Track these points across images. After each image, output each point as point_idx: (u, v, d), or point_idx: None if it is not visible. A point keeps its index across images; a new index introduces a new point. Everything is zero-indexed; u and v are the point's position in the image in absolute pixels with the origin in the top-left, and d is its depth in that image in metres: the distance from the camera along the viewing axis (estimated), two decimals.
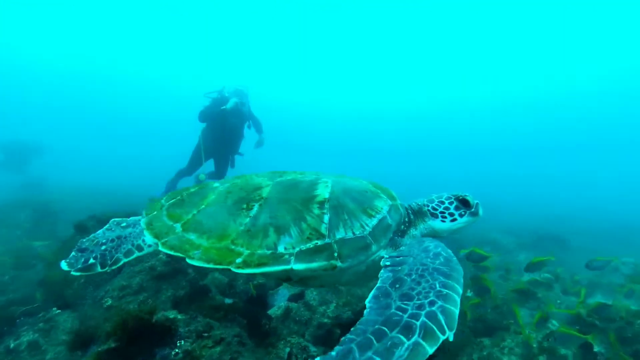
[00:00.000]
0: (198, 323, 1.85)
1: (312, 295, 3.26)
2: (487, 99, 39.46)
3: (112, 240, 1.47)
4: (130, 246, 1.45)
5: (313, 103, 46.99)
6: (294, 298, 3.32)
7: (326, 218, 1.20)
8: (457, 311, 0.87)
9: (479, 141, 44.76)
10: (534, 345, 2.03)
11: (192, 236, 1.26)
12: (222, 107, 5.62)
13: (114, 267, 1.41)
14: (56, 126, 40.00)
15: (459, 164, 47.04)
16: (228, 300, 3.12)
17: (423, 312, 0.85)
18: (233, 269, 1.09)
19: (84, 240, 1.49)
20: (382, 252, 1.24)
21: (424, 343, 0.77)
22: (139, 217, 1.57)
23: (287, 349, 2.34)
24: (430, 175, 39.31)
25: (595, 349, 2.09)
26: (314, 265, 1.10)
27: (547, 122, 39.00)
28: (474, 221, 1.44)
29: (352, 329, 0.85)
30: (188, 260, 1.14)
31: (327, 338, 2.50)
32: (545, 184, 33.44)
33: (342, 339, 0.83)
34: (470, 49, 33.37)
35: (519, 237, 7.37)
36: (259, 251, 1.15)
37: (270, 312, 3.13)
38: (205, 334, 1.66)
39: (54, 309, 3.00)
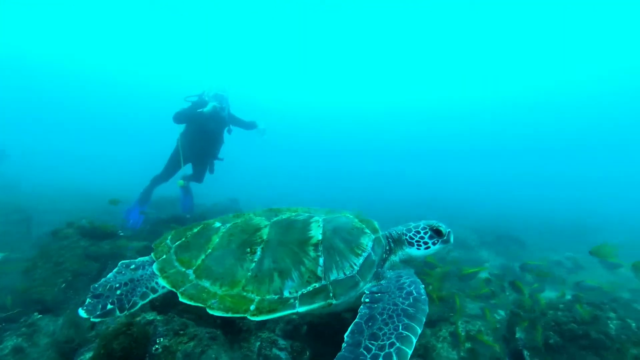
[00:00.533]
0: (175, 323, 2.11)
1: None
2: (462, 102, 41.74)
3: (126, 284, 1.52)
4: (145, 289, 1.53)
5: (309, 104, 48.19)
6: None
7: (321, 261, 1.38)
8: (410, 351, 1.07)
9: (459, 142, 47.03)
10: (462, 334, 2.43)
11: (206, 283, 1.39)
12: (199, 110, 5.52)
13: (132, 310, 1.47)
14: (28, 126, 38.52)
15: (439, 164, 48.80)
16: None
17: (382, 354, 1.05)
18: (249, 317, 1.24)
19: (97, 285, 1.51)
20: (368, 285, 1.44)
21: None
22: (147, 258, 1.68)
23: (258, 343, 2.62)
24: (410, 174, 40.74)
25: (517, 335, 2.52)
26: (314, 306, 1.29)
27: (517, 124, 41.80)
28: (445, 247, 1.67)
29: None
30: (208, 310, 1.28)
31: (295, 332, 2.80)
32: (513, 184, 35.52)
33: None
34: (450, 52, 34.73)
35: (482, 235, 7.98)
36: (268, 297, 1.31)
37: None
38: (181, 332, 1.92)
39: (35, 313, 3.13)
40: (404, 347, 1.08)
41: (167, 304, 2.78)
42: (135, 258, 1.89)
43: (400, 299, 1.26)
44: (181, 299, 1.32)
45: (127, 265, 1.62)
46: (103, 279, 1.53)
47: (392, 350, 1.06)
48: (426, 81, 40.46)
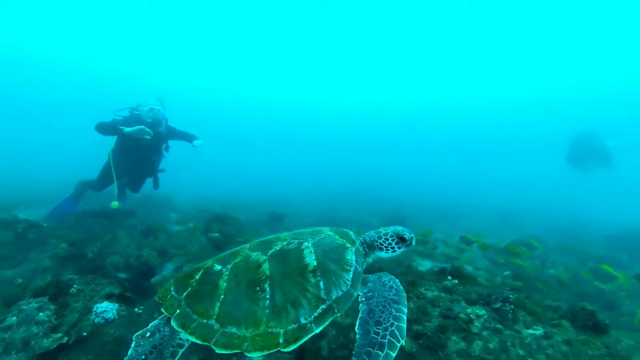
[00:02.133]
0: (90, 280, 3.13)
1: (187, 267, 4.65)
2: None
3: (151, 352, 1.54)
4: (172, 348, 1.59)
5: (306, 102, 50.46)
6: (175, 270, 4.67)
7: (321, 284, 1.59)
8: (405, 325, 1.47)
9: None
10: None
11: (233, 329, 1.47)
12: (120, 127, 5.07)
13: None
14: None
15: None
16: (122, 275, 4.36)
17: (387, 333, 1.44)
18: (282, 350, 1.39)
19: (135, 336, 1.57)
20: (359, 291, 1.74)
21: (390, 352, 1.40)
22: (157, 322, 1.66)
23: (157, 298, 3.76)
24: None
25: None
26: (326, 323, 1.54)
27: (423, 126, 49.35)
28: (408, 248, 2.05)
29: (354, 351, 1.41)
30: (246, 354, 1.38)
31: None
32: (415, 177, 41.62)
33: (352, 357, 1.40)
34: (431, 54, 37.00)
35: (382, 218, 9.96)
36: (290, 327, 1.47)
37: (152, 279, 4.47)
38: (92, 283, 2.96)
39: None
40: (400, 324, 1.50)
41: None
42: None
43: (386, 292, 1.65)
44: (218, 351, 1.41)
45: (143, 335, 1.61)
46: (126, 358, 1.52)
47: (393, 328, 1.48)
48: (398, 81, 43.44)
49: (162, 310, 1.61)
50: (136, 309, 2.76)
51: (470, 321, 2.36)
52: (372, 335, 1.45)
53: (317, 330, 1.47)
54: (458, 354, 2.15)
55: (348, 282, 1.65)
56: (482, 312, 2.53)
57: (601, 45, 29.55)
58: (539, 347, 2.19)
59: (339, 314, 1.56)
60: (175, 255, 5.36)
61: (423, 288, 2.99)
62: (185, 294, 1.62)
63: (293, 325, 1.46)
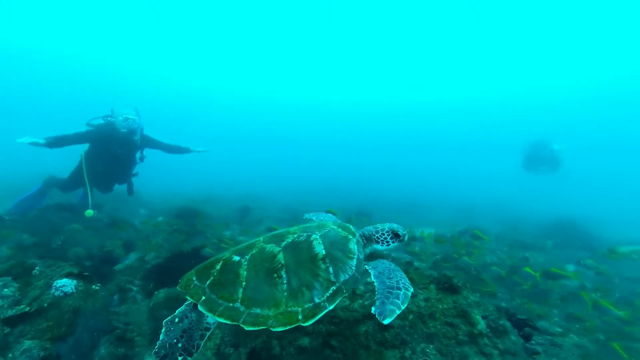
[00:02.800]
0: (52, 264, 3.47)
1: (150, 256, 5.01)
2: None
3: (182, 336, 1.68)
4: (200, 331, 1.75)
5: (304, 100, 52.30)
6: (138, 259, 5.02)
7: (331, 269, 1.81)
8: (411, 288, 1.72)
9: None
10: None
11: (257, 310, 1.65)
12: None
13: (195, 353, 1.68)
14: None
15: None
16: (88, 263, 4.68)
17: (400, 284, 1.72)
18: (302, 324, 1.60)
19: (157, 350, 1.64)
20: (360, 277, 1.99)
21: (407, 293, 1.66)
22: (183, 308, 1.83)
23: (117, 282, 4.11)
24: None
25: None
26: (337, 302, 1.76)
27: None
28: (401, 243, 2.27)
29: (376, 296, 1.65)
30: (272, 329, 1.58)
31: (147, 277, 4.39)
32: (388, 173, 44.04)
33: (375, 298, 1.66)
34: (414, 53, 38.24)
35: (348, 213, 10.65)
36: (306, 306, 1.68)
37: (115, 267, 4.84)
38: (53, 266, 3.31)
39: None
40: (407, 281, 1.82)
41: None
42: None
43: (388, 264, 1.97)
44: (247, 328, 1.59)
45: (172, 321, 1.75)
46: (159, 342, 1.65)
47: (403, 281, 1.80)
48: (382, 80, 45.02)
49: (187, 297, 1.77)
50: (94, 286, 3.15)
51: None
52: (388, 283, 1.75)
53: (330, 307, 1.70)
54: (342, 309, 2.66)
55: (353, 267, 1.88)
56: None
57: (552, 54, 32.11)
58: None
59: (347, 294, 1.82)
60: (140, 246, 5.71)
61: None
62: (208, 282, 1.78)
63: (309, 304, 1.68)
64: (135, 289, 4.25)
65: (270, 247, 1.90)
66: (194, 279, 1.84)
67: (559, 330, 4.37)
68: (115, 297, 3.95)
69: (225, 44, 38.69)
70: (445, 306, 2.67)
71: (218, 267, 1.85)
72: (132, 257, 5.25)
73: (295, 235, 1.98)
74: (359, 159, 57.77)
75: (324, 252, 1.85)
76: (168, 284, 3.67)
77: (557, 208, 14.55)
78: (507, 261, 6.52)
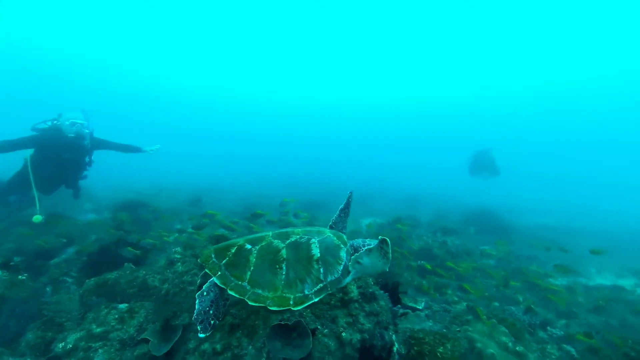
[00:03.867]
0: None
1: (88, 248, 5.11)
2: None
3: (211, 305, 2.10)
4: (223, 301, 2.19)
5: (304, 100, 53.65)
6: (76, 253, 5.10)
7: (322, 270, 2.17)
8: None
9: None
10: None
11: (259, 291, 2.02)
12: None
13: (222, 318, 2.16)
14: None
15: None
16: (16, 258, 4.68)
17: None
18: (292, 309, 1.96)
19: (196, 316, 2.04)
20: (346, 279, 2.28)
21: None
22: (209, 284, 2.17)
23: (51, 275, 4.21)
24: None
25: None
26: (322, 296, 2.13)
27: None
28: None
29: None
30: (269, 307, 1.93)
31: (83, 269, 4.54)
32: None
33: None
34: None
35: (300, 204, 11.19)
36: (298, 295, 2.03)
37: (51, 261, 4.89)
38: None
39: None
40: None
41: None
42: None
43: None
44: (250, 303, 1.95)
45: (202, 294, 2.13)
46: (196, 311, 2.05)
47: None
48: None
49: (207, 270, 2.16)
50: (20, 277, 3.32)
51: None
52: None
53: (316, 300, 2.05)
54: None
55: (339, 272, 2.24)
56: None
57: (492, 64, 35.31)
58: None
59: (330, 291, 2.18)
60: (79, 240, 5.74)
61: None
62: (224, 261, 2.16)
63: (300, 294, 2.04)
64: (70, 280, 4.41)
65: (277, 243, 2.26)
66: (213, 256, 2.20)
67: (456, 299, 5.32)
68: (47, 289, 4.09)
69: (209, 43, 39.69)
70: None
71: (233, 250, 2.23)
72: (70, 251, 5.32)
73: (298, 237, 2.33)
74: (319, 154, 61.11)
75: (318, 255, 2.21)
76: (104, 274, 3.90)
77: (483, 200, 16.54)
78: (430, 244, 7.53)
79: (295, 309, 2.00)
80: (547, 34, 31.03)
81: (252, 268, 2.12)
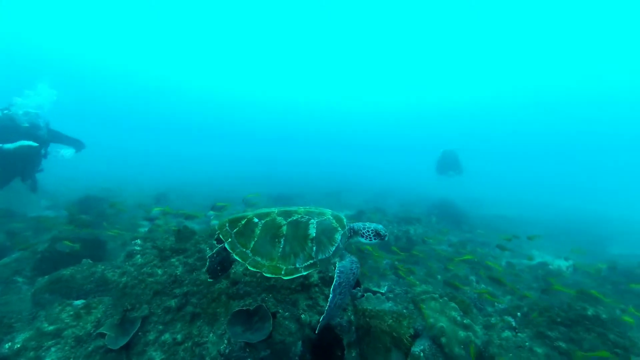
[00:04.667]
0: None
1: (42, 246, 4.80)
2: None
3: (219, 264, 2.54)
4: (229, 262, 2.58)
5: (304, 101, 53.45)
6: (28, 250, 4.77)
7: (314, 249, 2.28)
8: (348, 299, 2.61)
9: None
10: None
11: (258, 258, 2.21)
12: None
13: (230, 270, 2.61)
14: None
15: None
16: None
17: (342, 301, 2.27)
18: (282, 277, 2.13)
19: (206, 270, 2.51)
20: (336, 259, 2.39)
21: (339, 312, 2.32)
22: (219, 247, 2.51)
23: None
24: None
25: None
26: (310, 271, 2.26)
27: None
28: (382, 241, 2.67)
29: (326, 306, 2.15)
30: (264, 274, 2.12)
31: (37, 267, 4.26)
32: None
33: (325, 309, 2.27)
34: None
35: (268, 198, 11.19)
36: (289, 267, 2.18)
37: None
38: None
39: None
40: (346, 300, 2.47)
41: None
42: None
43: (351, 277, 2.39)
44: (249, 268, 2.19)
45: (212, 255, 2.51)
46: (206, 267, 2.50)
47: (345, 298, 2.35)
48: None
49: (220, 236, 2.40)
50: None
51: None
52: (337, 295, 2.28)
53: (304, 273, 2.22)
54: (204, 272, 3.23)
55: (330, 252, 2.35)
56: None
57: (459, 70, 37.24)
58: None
59: (319, 268, 2.33)
60: (32, 237, 5.38)
61: (214, 240, 3.97)
62: (235, 230, 2.41)
63: (291, 266, 2.20)
64: (21, 280, 4.17)
65: (280, 220, 2.43)
66: (227, 225, 2.46)
67: (417, 282, 5.70)
68: None
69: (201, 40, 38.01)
70: None
71: (243, 222, 2.47)
72: (16, 254, 4.99)
73: (300, 216, 2.47)
74: (297, 153, 63.18)
75: (314, 235, 2.34)
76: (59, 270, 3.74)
77: (447, 193, 17.58)
78: (395, 232, 7.96)
79: (285, 278, 2.18)
80: (503, 40, 32.91)
81: (256, 239, 2.35)
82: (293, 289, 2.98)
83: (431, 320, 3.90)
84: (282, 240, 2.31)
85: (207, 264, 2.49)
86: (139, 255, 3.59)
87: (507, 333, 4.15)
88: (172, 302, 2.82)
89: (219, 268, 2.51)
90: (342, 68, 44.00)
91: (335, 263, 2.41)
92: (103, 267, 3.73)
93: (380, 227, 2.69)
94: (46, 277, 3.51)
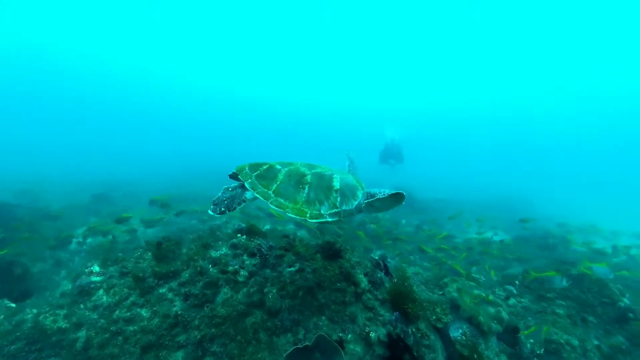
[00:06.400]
0: None
1: None
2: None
3: (228, 198, 2.41)
4: (239, 200, 2.41)
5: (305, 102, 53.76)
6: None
7: (339, 199, 2.32)
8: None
9: None
10: None
11: (282, 200, 2.22)
12: None
13: (233, 211, 2.36)
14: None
15: None
16: None
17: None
18: (308, 219, 2.16)
19: (214, 200, 2.42)
20: (356, 214, 2.50)
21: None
22: (235, 185, 2.52)
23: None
24: None
25: None
26: (334, 219, 2.28)
27: None
28: (399, 204, 2.54)
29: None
30: (287, 213, 2.12)
31: None
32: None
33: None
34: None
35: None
36: (314, 212, 2.20)
37: None
38: None
39: None
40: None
41: None
42: None
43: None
44: (272, 206, 2.15)
45: (227, 189, 2.50)
46: (215, 199, 2.41)
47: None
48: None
49: (240, 177, 2.43)
50: None
51: (236, 272, 2.73)
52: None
53: (329, 220, 2.25)
54: (224, 305, 2.49)
55: (353, 205, 2.40)
56: (255, 261, 2.99)
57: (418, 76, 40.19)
58: (291, 280, 2.76)
59: (342, 218, 2.33)
60: None
61: (213, 251, 3.14)
62: (255, 173, 2.45)
63: (316, 212, 2.22)
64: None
65: (303, 169, 2.50)
66: (247, 169, 2.51)
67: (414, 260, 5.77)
68: None
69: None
70: (331, 273, 2.80)
71: (265, 167, 2.52)
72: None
73: (323, 170, 2.56)
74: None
75: (338, 187, 2.40)
76: None
77: (395, 181, 18.77)
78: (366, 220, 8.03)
79: (311, 221, 2.20)
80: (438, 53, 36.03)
81: (278, 183, 2.39)
82: (345, 302, 2.40)
83: (463, 304, 3.86)
84: (306, 187, 2.35)
85: (219, 194, 2.46)
86: (101, 291, 2.41)
87: (512, 301, 4.54)
88: (179, 357, 1.89)
89: (226, 202, 2.42)
90: (342, 68, 43.95)
91: (356, 216, 2.55)
92: (35, 310, 2.41)
93: (392, 191, 2.85)
94: None
